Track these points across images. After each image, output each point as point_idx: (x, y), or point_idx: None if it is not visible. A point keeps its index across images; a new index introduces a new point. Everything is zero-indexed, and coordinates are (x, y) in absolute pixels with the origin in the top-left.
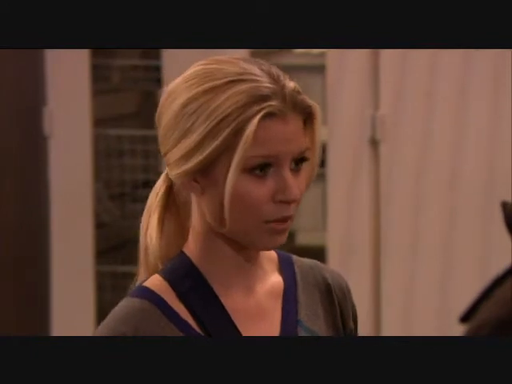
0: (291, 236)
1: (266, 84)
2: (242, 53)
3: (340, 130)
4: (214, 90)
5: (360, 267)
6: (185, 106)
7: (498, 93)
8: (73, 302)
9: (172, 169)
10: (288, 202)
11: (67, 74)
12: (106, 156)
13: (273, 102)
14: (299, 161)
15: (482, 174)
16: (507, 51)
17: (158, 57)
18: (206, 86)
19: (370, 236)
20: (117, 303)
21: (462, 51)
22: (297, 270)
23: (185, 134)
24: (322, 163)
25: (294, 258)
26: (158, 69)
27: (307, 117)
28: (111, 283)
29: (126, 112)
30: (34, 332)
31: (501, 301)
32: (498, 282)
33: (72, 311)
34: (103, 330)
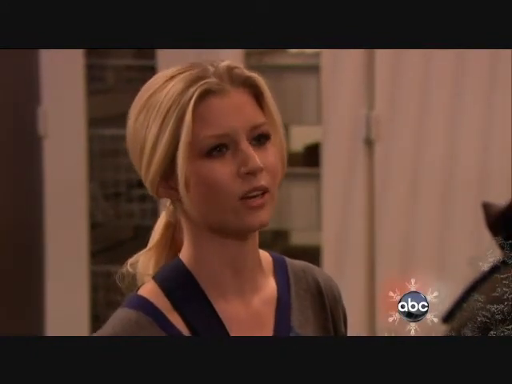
0: (286, 236)
1: (201, 68)
2: (237, 53)
3: (335, 130)
4: (156, 91)
5: (355, 267)
6: (137, 118)
7: (492, 92)
8: (67, 302)
9: (146, 184)
10: (253, 173)
11: (61, 73)
12: (100, 156)
13: (208, 80)
14: (259, 137)
15: (477, 173)
16: (501, 51)
17: (152, 57)
18: (151, 91)
19: (364, 235)
20: (111, 303)
21: (456, 51)
22: (290, 273)
23: (144, 144)
24: (317, 163)
25: (287, 260)
26: (152, 69)
27: (255, 91)
28: (106, 283)
29: (120, 112)
30: (29, 332)
31: (481, 301)
32: (479, 283)
33: (66, 311)
34: None
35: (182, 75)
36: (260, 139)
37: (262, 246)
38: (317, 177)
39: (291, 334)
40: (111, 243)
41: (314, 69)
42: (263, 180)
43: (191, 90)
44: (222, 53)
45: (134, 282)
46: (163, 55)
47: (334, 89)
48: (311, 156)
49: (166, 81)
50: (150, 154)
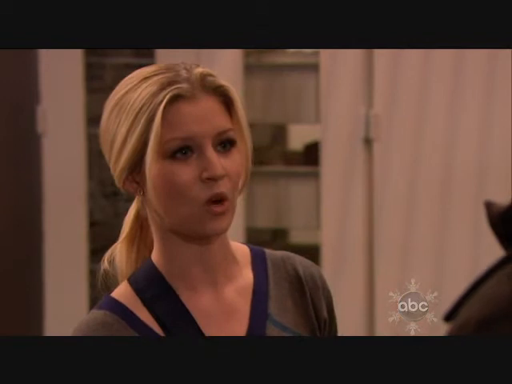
0: (285, 234)
1: (175, 73)
2: (235, 52)
3: (334, 129)
4: (130, 90)
5: (354, 266)
6: (110, 113)
7: (490, 92)
8: (66, 301)
9: (114, 177)
10: (214, 179)
11: (60, 72)
12: (99, 154)
13: (180, 85)
14: (225, 143)
15: (475, 172)
16: (499, 51)
17: (151, 55)
18: (126, 88)
19: (363, 234)
20: None
21: (454, 51)
22: (269, 264)
23: (114, 138)
24: (316, 162)
25: (267, 251)
26: None
27: (225, 99)
28: None
29: None
30: (27, 331)
31: (484, 299)
32: (482, 281)
33: (65, 310)
34: None
35: (156, 77)
36: (225, 145)
37: (261, 244)
38: (316, 175)
39: (268, 322)
40: (110, 242)
41: (312, 67)
42: (224, 187)
43: (162, 93)
44: (220, 52)
45: (115, 280)
46: (162, 54)
47: (332, 87)
48: (310, 155)
49: (141, 81)
50: (118, 151)
